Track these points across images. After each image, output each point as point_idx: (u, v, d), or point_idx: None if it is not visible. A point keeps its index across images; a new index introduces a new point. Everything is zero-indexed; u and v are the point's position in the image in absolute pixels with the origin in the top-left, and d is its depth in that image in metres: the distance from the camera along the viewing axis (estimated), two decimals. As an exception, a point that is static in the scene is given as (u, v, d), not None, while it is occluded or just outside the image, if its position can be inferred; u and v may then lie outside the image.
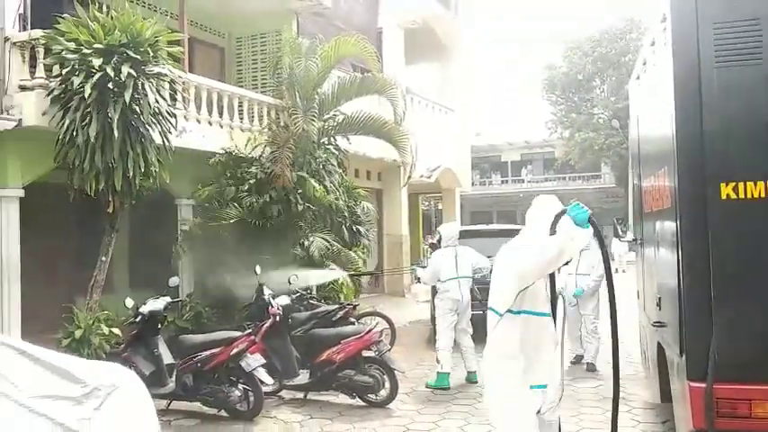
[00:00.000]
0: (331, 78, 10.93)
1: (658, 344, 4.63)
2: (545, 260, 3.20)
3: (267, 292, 7.17)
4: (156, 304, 6.61)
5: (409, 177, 13.68)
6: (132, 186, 7.44)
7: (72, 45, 7.01)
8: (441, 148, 17.36)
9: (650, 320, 5.01)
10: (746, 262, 3.41)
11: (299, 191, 9.38)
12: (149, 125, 7.47)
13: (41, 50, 7.46)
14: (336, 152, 10.80)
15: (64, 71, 7.11)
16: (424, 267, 7.94)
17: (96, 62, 6.87)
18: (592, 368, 7.84)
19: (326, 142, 10.74)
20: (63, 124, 7.06)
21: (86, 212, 8.42)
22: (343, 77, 11.24)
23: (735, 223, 3.41)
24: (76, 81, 6.87)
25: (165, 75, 7.74)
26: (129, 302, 6.58)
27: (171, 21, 9.97)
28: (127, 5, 7.63)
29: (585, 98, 35.49)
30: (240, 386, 6.06)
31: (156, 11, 9.53)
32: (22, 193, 7.69)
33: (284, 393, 6.84)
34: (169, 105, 8.03)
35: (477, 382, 7.33)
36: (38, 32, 7.44)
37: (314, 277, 8.99)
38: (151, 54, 7.36)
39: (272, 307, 6.87)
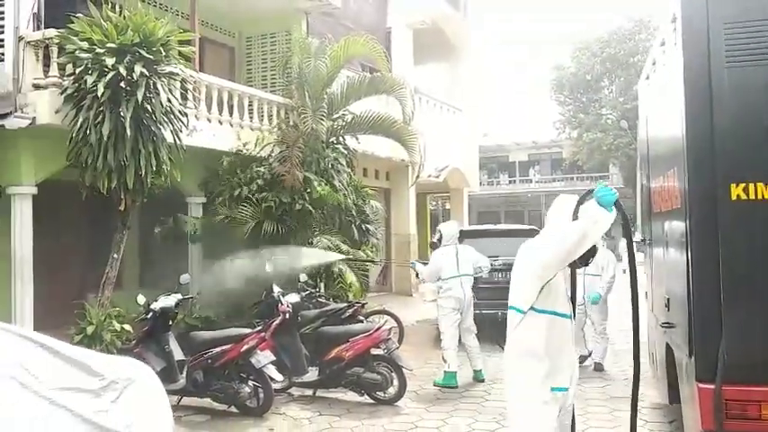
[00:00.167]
0: (340, 78, 10.98)
1: (667, 345, 4.61)
2: (567, 246, 3.08)
3: (277, 289, 7.22)
4: (168, 301, 6.67)
5: (417, 177, 13.71)
6: (144, 184, 7.51)
7: (85, 44, 7.09)
8: (449, 147, 17.38)
9: (659, 321, 5.00)
10: (756, 263, 3.39)
11: (308, 190, 9.43)
12: (161, 124, 7.54)
13: (55, 49, 7.54)
14: (345, 151, 10.85)
15: (77, 70, 7.18)
16: (426, 264, 7.92)
17: (109, 61, 6.94)
18: (599, 368, 7.86)
19: (335, 141, 10.79)
20: (76, 123, 7.14)
21: (98, 210, 8.51)
22: (353, 77, 11.29)
23: (745, 224, 3.39)
24: (90, 80, 6.94)
25: (177, 74, 7.81)
26: (141, 299, 6.66)
27: (182, 20, 10.04)
28: (139, 5, 7.70)
29: (594, 99, 35.39)
30: (250, 383, 6.12)
31: (167, 11, 9.60)
32: (35, 190, 7.77)
33: (293, 390, 6.89)
34: (180, 104, 8.09)
35: (484, 381, 7.36)
36: (52, 32, 7.52)
37: (314, 257, 8.95)
38: (163, 53, 7.42)
39: (282, 304, 6.92)
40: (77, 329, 7.23)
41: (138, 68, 7.01)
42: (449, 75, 20.49)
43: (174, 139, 7.79)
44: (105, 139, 6.99)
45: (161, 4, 10.79)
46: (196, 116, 9.20)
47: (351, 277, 9.72)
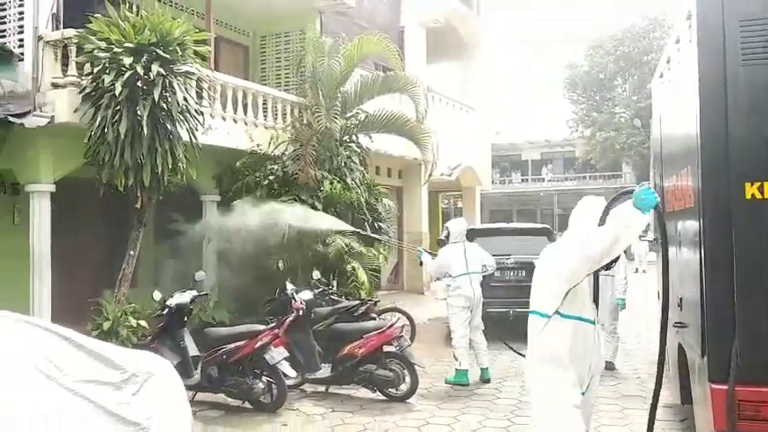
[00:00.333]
0: (354, 77, 11.03)
1: (679, 345, 4.60)
2: (598, 250, 2.97)
3: (290, 287, 7.27)
4: (183, 297, 6.75)
5: (430, 175, 13.74)
6: (160, 182, 7.62)
7: (103, 44, 7.19)
8: (461, 146, 17.39)
9: (671, 321, 4.99)
10: (770, 263, 3.34)
11: (321, 189, 9.49)
12: (177, 122, 7.64)
13: (74, 49, 7.66)
14: (358, 150, 10.90)
15: (95, 69, 7.30)
16: (432, 255, 7.89)
17: (127, 61, 7.04)
18: (611, 367, 7.85)
19: (349, 140, 10.84)
20: (94, 121, 7.25)
21: (115, 208, 8.61)
22: (366, 76, 11.33)
23: (759, 223, 3.35)
24: (107, 79, 7.05)
25: (193, 73, 7.90)
26: (157, 295, 6.75)
27: (198, 20, 10.14)
28: (156, 5, 7.80)
29: (607, 97, 35.23)
30: (264, 379, 6.18)
31: (183, 10, 9.70)
32: (53, 188, 7.87)
33: (306, 386, 6.95)
34: (196, 103, 8.20)
35: (489, 380, 7.37)
36: (70, 32, 7.64)
37: (325, 222, 8.85)
38: (179, 53, 7.52)
39: (295, 301, 6.97)
40: (94, 325, 7.35)
41: (155, 68, 7.10)
42: (461, 73, 20.46)
43: (190, 138, 7.89)
44: (122, 137, 7.10)
45: (177, 4, 10.89)
46: (211, 115, 9.29)
47: (363, 276, 9.76)
